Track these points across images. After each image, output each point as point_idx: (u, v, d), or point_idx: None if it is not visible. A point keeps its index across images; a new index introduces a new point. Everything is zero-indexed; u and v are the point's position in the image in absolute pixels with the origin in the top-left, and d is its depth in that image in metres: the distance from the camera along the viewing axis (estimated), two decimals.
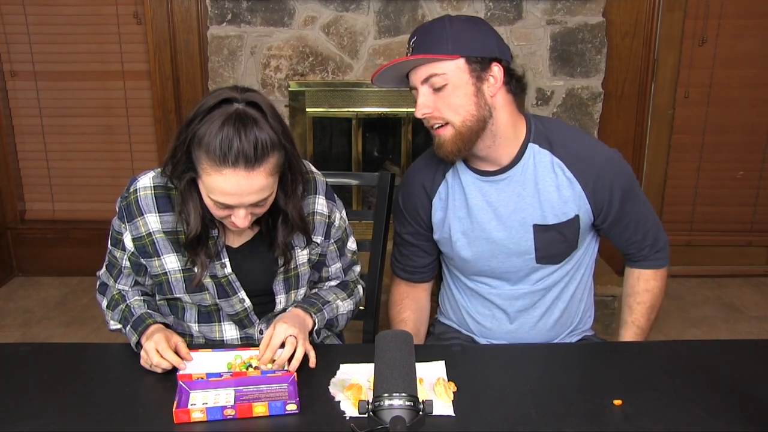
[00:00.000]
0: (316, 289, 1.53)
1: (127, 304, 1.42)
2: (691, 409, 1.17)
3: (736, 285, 3.34)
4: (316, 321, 1.38)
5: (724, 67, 3.16)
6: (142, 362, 1.30)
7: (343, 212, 1.52)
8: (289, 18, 2.95)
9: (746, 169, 3.32)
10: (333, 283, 1.55)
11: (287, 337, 1.26)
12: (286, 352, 1.25)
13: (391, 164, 3.33)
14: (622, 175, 1.49)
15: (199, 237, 1.32)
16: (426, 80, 1.38)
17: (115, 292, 1.45)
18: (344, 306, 1.50)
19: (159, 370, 1.27)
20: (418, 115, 1.41)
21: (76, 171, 3.39)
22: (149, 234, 1.36)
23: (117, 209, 1.39)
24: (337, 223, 1.48)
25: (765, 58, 3.16)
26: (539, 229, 1.47)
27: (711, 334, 2.88)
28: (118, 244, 1.40)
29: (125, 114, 3.29)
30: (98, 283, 1.50)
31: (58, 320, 3.00)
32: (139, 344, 1.33)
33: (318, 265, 1.50)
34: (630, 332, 1.60)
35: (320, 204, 1.45)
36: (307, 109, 3.01)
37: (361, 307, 1.72)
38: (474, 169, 1.50)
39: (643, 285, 1.60)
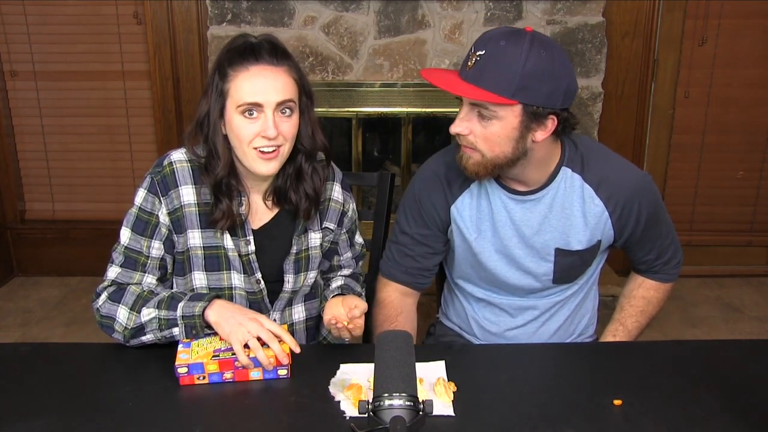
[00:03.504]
0: (341, 280, 1.57)
1: (171, 292, 1.35)
2: (691, 409, 1.17)
3: (736, 285, 3.35)
4: None
5: (724, 67, 3.16)
6: (240, 342, 1.23)
7: (354, 205, 1.57)
8: (289, 18, 2.95)
9: (746, 169, 3.32)
10: (346, 272, 1.60)
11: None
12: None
13: (391, 164, 3.33)
14: (650, 200, 1.46)
15: (227, 187, 1.36)
16: (475, 104, 1.30)
17: (140, 291, 1.35)
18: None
19: (269, 365, 1.23)
20: (453, 131, 1.34)
21: (76, 171, 3.39)
22: (181, 207, 1.38)
23: (146, 186, 1.37)
24: (349, 213, 1.55)
25: (765, 58, 3.15)
26: (561, 254, 1.45)
27: (711, 334, 2.89)
28: (146, 230, 1.37)
29: (125, 114, 3.29)
30: (107, 292, 1.36)
31: (58, 320, 3.01)
32: (201, 318, 1.28)
33: (329, 253, 1.55)
34: (613, 327, 1.58)
35: (336, 191, 1.51)
36: None
37: None
38: (502, 184, 1.44)
39: (642, 292, 1.60)
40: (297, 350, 1.26)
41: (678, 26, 3.11)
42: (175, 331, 1.31)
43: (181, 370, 1.23)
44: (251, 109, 1.29)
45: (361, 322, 1.33)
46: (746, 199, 3.36)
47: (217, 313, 1.29)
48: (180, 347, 1.28)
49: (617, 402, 1.18)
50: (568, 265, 1.47)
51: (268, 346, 1.24)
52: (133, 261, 1.38)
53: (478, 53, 1.28)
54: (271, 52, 1.31)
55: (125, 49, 3.20)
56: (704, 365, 1.32)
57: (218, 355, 1.25)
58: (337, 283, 1.56)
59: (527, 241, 1.45)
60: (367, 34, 2.98)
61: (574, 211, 1.42)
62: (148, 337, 1.33)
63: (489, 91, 1.26)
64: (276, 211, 1.45)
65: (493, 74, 1.26)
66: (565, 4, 2.94)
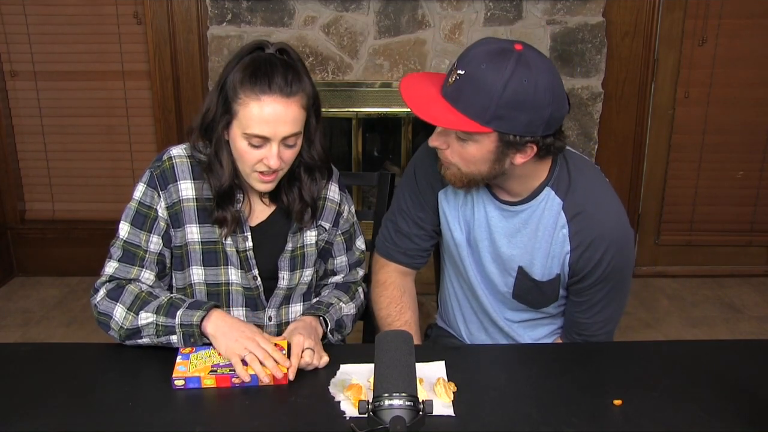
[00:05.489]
0: (316, 299, 1.54)
1: (170, 297, 1.35)
2: (691, 409, 1.17)
3: (736, 285, 3.34)
4: (328, 321, 1.42)
5: (724, 67, 3.16)
6: (238, 357, 1.24)
7: (352, 207, 1.57)
8: (289, 18, 2.95)
9: (746, 169, 3.31)
10: (338, 278, 1.57)
11: (305, 349, 1.29)
12: (305, 363, 1.28)
13: (391, 164, 3.33)
14: (618, 256, 1.36)
15: (230, 193, 1.37)
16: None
17: (138, 291, 1.35)
18: (347, 308, 1.51)
19: (266, 379, 1.23)
20: (431, 144, 1.33)
21: (76, 171, 3.39)
22: (179, 201, 1.39)
23: (146, 180, 1.39)
24: (345, 215, 1.53)
25: (765, 58, 3.15)
26: (522, 275, 1.42)
27: (711, 334, 2.88)
28: (145, 224, 1.38)
29: (125, 114, 3.29)
30: (105, 288, 1.36)
31: (58, 320, 3.01)
32: (198, 327, 1.29)
33: (324, 254, 1.54)
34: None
35: (332, 191, 1.51)
36: None
37: None
38: (489, 188, 1.42)
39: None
40: (292, 376, 1.24)
41: (678, 26, 3.11)
42: (173, 338, 1.31)
43: (178, 383, 1.22)
44: (257, 139, 1.29)
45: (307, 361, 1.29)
46: (746, 199, 3.36)
47: (215, 325, 1.30)
48: (179, 359, 1.27)
49: (617, 402, 1.18)
50: (527, 289, 1.44)
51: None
52: (132, 255, 1.38)
53: (458, 71, 1.22)
54: (285, 78, 1.27)
55: (125, 49, 3.19)
56: (704, 365, 1.32)
57: (216, 371, 1.24)
58: (316, 288, 1.57)
59: (496, 249, 1.43)
60: (367, 34, 2.98)
61: (545, 236, 1.38)
62: (144, 341, 1.33)
63: (464, 114, 1.22)
64: (273, 208, 1.46)
65: (470, 98, 1.21)
66: (565, 4, 2.94)
